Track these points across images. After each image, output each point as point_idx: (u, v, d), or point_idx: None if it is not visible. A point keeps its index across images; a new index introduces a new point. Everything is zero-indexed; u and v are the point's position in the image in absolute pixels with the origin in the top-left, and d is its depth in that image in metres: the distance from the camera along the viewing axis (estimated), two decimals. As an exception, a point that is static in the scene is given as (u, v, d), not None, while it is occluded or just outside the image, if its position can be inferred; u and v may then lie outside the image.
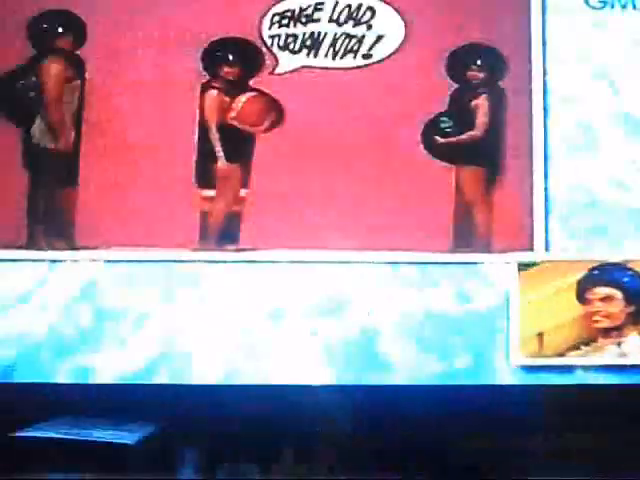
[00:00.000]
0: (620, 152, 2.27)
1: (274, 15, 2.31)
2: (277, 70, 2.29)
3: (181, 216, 2.25)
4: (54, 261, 2.21)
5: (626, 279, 2.20)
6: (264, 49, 2.30)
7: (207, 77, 2.29)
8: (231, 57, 2.29)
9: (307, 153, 2.26)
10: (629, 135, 2.28)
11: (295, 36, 2.31)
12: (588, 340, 2.19)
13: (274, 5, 2.31)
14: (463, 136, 2.29)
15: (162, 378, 2.16)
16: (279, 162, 2.27)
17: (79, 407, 2.22)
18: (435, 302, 2.20)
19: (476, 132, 2.29)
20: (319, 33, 2.31)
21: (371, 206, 2.25)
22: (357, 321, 2.19)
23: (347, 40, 2.30)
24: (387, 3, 2.32)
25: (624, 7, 2.32)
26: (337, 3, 2.31)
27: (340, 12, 2.31)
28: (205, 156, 2.27)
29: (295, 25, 2.31)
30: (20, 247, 2.22)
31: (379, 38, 2.30)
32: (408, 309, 2.20)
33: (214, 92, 2.29)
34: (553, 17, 2.30)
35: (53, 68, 2.28)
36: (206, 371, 2.17)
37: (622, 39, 2.31)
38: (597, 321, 2.19)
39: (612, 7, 2.32)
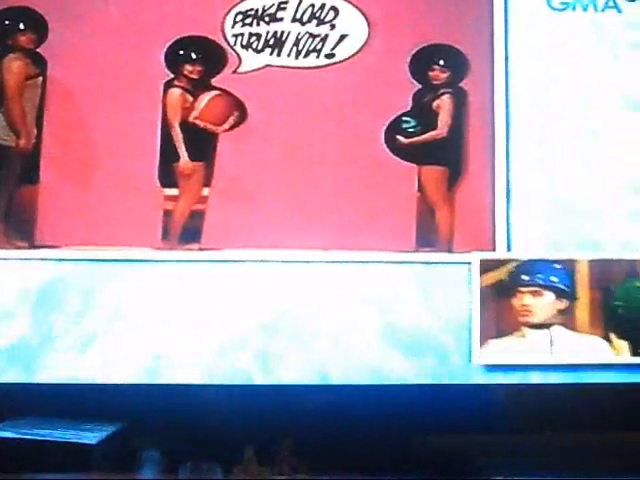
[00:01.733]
0: (582, 152, 2.29)
1: (237, 14, 2.31)
2: (240, 69, 2.29)
3: (144, 215, 2.24)
4: (14, 259, 2.19)
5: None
6: (227, 48, 2.30)
7: (170, 76, 2.28)
8: (194, 56, 2.29)
9: (270, 152, 2.26)
10: (591, 134, 2.30)
11: (258, 35, 2.31)
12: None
13: (237, 4, 2.31)
14: (426, 136, 2.30)
15: (124, 378, 2.15)
16: (242, 161, 2.27)
17: (39, 407, 2.20)
18: (398, 301, 2.21)
19: (438, 132, 2.30)
20: (282, 32, 2.31)
21: (334, 206, 2.26)
22: (320, 319, 2.20)
23: (310, 39, 2.31)
24: (350, 3, 2.32)
25: (585, 9, 2.34)
26: (300, 2, 2.32)
27: (303, 12, 2.32)
28: (168, 155, 2.26)
29: (258, 24, 2.31)
30: (-21, 245, 2.20)
31: (342, 38, 2.31)
32: (371, 307, 2.20)
33: (177, 91, 2.29)
34: (515, 18, 2.32)
35: (14, 65, 2.26)
36: (170, 371, 2.16)
37: (584, 40, 2.33)
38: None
39: (574, 9, 2.34)
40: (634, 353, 2.18)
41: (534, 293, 2.20)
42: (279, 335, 2.18)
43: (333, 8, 2.32)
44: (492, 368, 2.18)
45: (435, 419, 2.17)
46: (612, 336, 2.18)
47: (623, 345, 2.18)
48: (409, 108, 2.30)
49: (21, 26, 2.28)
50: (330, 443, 2.17)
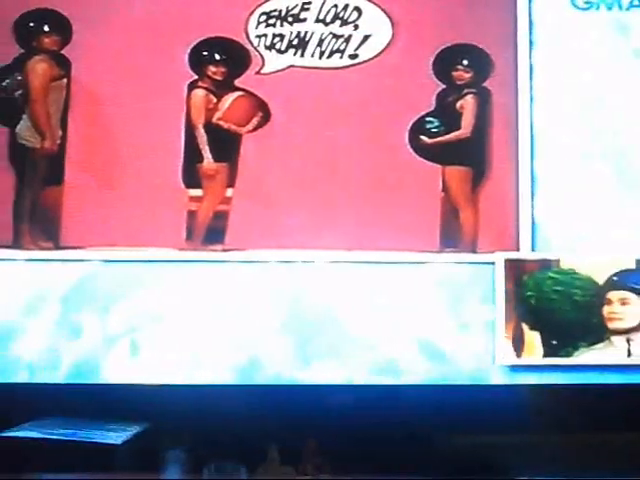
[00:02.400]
0: (607, 151, 2.28)
1: (261, 15, 2.31)
2: (263, 70, 2.30)
3: (167, 215, 2.25)
4: (40, 260, 2.20)
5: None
6: (251, 49, 2.30)
7: (194, 77, 2.29)
8: (218, 57, 2.30)
9: (293, 153, 2.27)
10: (615, 134, 2.28)
11: (282, 36, 2.31)
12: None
13: (261, 5, 2.32)
14: (449, 136, 2.30)
15: (148, 378, 2.16)
16: (265, 162, 2.27)
17: (64, 407, 2.21)
18: (422, 301, 2.21)
19: (462, 132, 2.30)
20: (306, 33, 2.31)
21: (358, 206, 2.26)
22: (344, 320, 2.19)
23: (334, 40, 2.31)
24: (374, 3, 2.32)
25: (610, 8, 2.33)
26: (324, 3, 2.32)
27: (327, 12, 2.32)
28: (192, 156, 2.27)
29: (282, 25, 2.31)
30: (5, 246, 2.21)
31: (366, 38, 2.31)
32: (395, 307, 2.20)
33: (201, 92, 2.29)
34: (539, 18, 2.31)
35: (39, 67, 2.27)
36: (193, 371, 2.17)
37: (607, 40, 2.32)
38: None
39: (598, 8, 2.33)
40: (545, 344, 2.18)
41: None
42: (302, 336, 2.19)
43: (356, 8, 2.32)
44: (515, 368, 2.18)
45: (459, 419, 2.16)
46: (524, 327, 2.18)
47: (534, 335, 2.18)
48: (433, 108, 2.29)
49: (45, 28, 2.29)
50: (354, 443, 2.17)
